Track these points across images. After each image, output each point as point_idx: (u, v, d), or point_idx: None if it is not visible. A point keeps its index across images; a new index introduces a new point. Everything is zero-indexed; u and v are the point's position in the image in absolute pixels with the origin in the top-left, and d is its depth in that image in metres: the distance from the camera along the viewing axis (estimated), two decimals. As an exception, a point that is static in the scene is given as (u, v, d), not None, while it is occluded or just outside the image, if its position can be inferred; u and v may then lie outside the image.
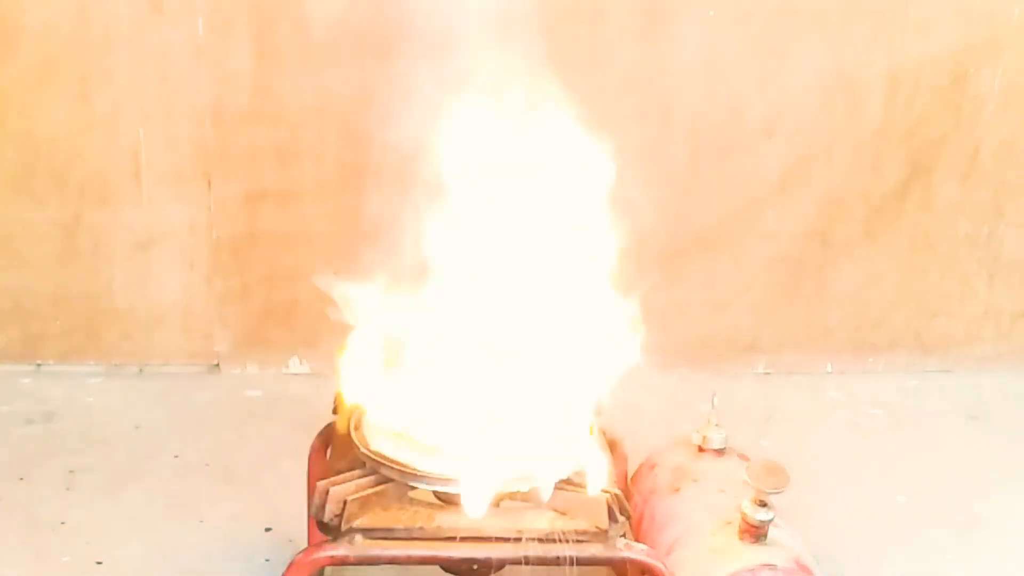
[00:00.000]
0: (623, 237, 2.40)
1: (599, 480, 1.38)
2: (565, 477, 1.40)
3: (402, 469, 1.39)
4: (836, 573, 1.64)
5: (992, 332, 2.49)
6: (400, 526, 1.37)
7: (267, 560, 1.78)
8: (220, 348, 2.42)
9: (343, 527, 1.35)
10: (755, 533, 1.42)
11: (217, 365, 2.43)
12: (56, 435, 2.16)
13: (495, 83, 1.46)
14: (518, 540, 1.36)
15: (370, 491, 1.38)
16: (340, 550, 1.35)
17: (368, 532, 1.36)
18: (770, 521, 1.42)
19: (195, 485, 2.00)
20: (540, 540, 1.36)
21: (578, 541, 1.36)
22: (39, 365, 2.41)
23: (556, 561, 1.37)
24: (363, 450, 1.43)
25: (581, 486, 1.40)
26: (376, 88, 2.26)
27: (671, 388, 2.39)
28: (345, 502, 1.35)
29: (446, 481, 1.38)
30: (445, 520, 1.38)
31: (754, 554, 1.42)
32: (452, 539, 1.36)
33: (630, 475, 1.71)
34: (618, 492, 1.40)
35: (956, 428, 2.28)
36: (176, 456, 2.09)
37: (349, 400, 1.50)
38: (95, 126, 2.28)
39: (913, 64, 2.31)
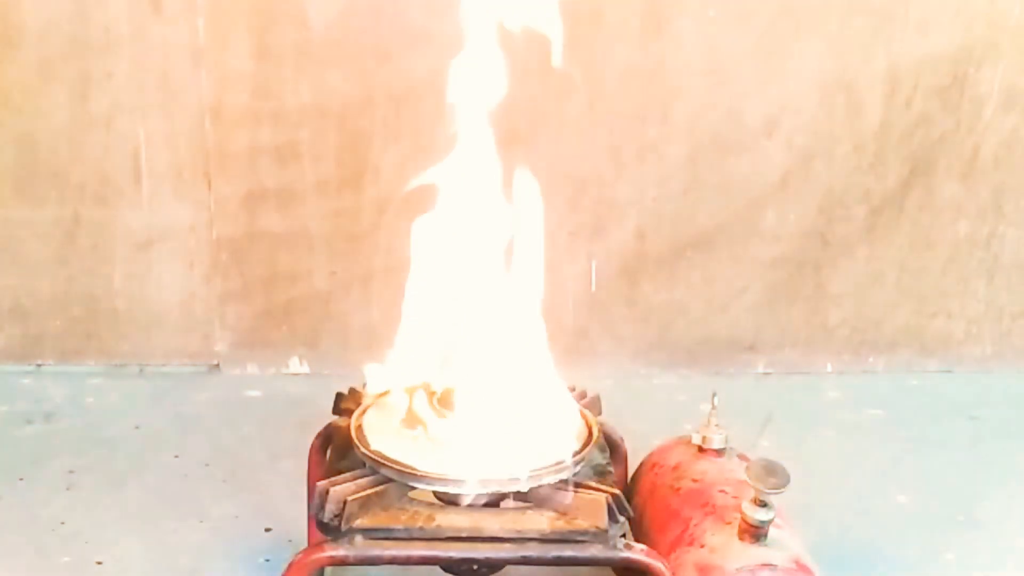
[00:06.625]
0: (624, 237, 2.41)
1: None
2: (565, 477, 1.40)
3: (402, 469, 1.39)
4: (836, 573, 1.64)
5: (992, 332, 2.49)
6: (400, 526, 1.37)
7: (267, 560, 1.78)
8: (220, 348, 2.42)
9: (343, 527, 1.35)
10: (755, 533, 1.42)
11: (217, 365, 2.43)
12: (56, 435, 2.16)
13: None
14: (518, 540, 1.36)
15: (370, 491, 1.38)
16: (340, 550, 1.35)
17: (368, 532, 1.36)
18: (770, 521, 1.42)
19: (195, 485, 2.00)
20: (540, 540, 1.36)
21: (578, 541, 1.36)
22: (39, 365, 2.41)
23: (556, 561, 1.37)
24: (363, 450, 1.43)
25: (581, 486, 1.40)
26: (376, 88, 2.27)
27: (671, 388, 2.39)
28: (345, 502, 1.35)
29: (446, 481, 1.39)
30: (445, 520, 1.38)
31: (754, 554, 1.42)
32: (452, 539, 1.36)
33: (630, 475, 1.71)
34: (618, 492, 1.40)
35: (956, 428, 2.28)
36: (176, 456, 2.09)
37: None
38: (95, 126, 2.29)
39: (913, 64, 2.31)
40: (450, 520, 1.38)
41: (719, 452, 1.64)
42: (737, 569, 1.40)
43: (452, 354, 1.49)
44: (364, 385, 1.55)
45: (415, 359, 1.51)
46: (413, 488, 1.41)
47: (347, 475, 1.42)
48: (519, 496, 1.39)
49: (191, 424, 2.21)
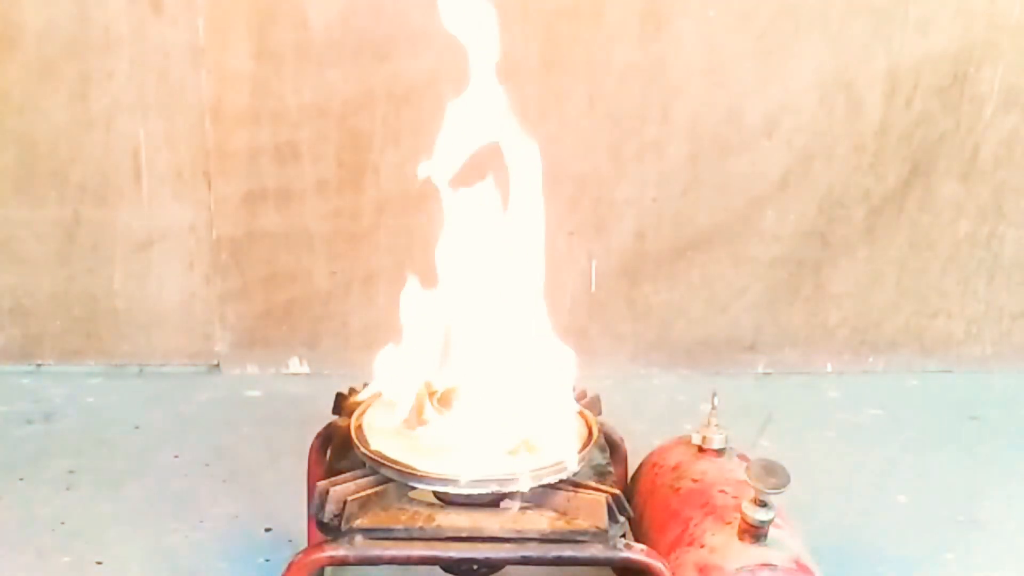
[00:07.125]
0: (624, 237, 2.41)
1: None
2: (565, 477, 1.40)
3: (402, 469, 1.39)
4: (836, 573, 1.64)
5: (992, 332, 2.49)
6: (400, 526, 1.37)
7: (267, 560, 1.78)
8: (220, 348, 2.42)
9: (343, 527, 1.35)
10: (755, 533, 1.42)
11: (217, 365, 2.43)
12: (56, 435, 2.16)
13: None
14: (518, 540, 1.36)
15: (370, 491, 1.38)
16: (340, 550, 1.35)
17: (368, 532, 1.36)
18: (770, 521, 1.42)
19: (195, 485, 2.00)
20: (540, 540, 1.36)
21: (578, 541, 1.36)
22: (39, 365, 2.41)
23: (556, 561, 1.37)
24: (363, 450, 1.43)
25: (581, 486, 1.40)
26: (376, 88, 2.27)
27: (671, 388, 2.39)
28: (345, 502, 1.35)
29: (446, 481, 1.39)
30: (445, 520, 1.38)
31: (754, 554, 1.42)
32: (452, 539, 1.36)
33: (630, 475, 1.71)
34: (618, 492, 1.40)
35: (956, 428, 2.28)
36: (176, 456, 2.09)
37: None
38: (95, 126, 2.29)
39: (913, 64, 2.31)
40: (450, 520, 1.38)
41: (719, 452, 1.64)
42: (737, 569, 1.40)
43: (452, 353, 1.49)
44: (364, 385, 1.55)
45: (415, 358, 1.50)
46: (413, 488, 1.41)
47: (347, 475, 1.42)
48: (519, 496, 1.39)
49: (191, 424, 2.21)
